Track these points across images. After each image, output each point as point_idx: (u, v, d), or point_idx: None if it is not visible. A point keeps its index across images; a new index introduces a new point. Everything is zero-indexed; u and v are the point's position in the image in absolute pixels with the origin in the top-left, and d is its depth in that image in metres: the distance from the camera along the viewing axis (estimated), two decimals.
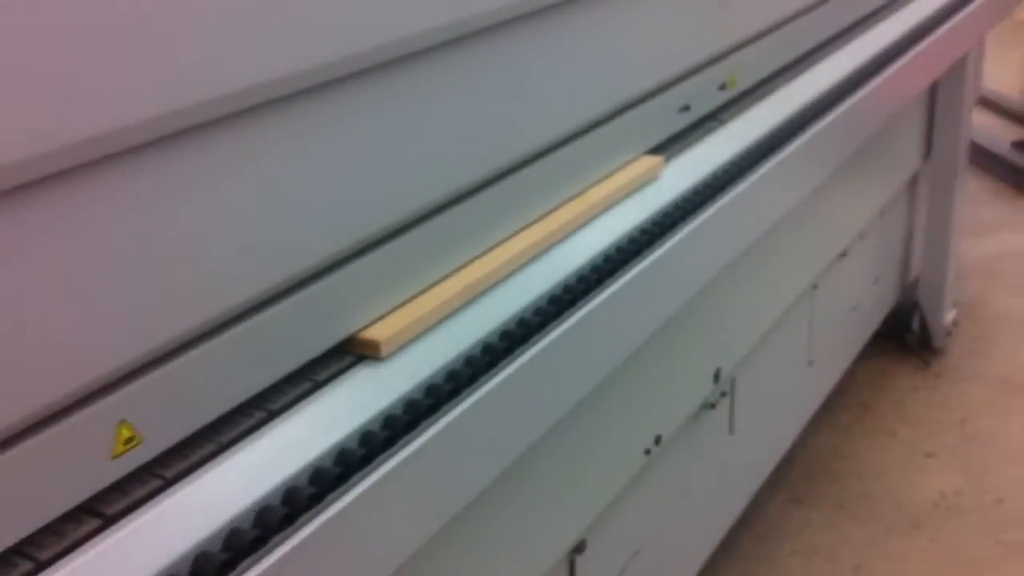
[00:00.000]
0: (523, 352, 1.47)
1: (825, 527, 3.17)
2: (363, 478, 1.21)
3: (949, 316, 4.14)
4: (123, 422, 1.13)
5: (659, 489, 2.29)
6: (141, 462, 1.16)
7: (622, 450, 2.07)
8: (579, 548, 1.99)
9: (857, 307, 3.54)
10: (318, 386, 1.33)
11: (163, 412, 1.17)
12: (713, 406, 2.44)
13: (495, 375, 1.42)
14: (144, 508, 1.12)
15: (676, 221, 1.86)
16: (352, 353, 1.40)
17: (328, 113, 1.29)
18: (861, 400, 3.80)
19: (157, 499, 1.13)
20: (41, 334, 1.01)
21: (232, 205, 1.19)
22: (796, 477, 3.33)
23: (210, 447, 1.20)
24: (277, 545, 1.11)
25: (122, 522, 1.10)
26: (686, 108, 2.19)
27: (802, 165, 2.35)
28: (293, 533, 1.13)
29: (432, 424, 1.31)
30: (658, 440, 2.17)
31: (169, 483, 1.15)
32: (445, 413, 1.33)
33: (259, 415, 1.26)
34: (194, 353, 1.18)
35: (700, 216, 1.90)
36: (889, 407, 3.79)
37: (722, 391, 2.47)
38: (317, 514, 1.15)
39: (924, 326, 4.10)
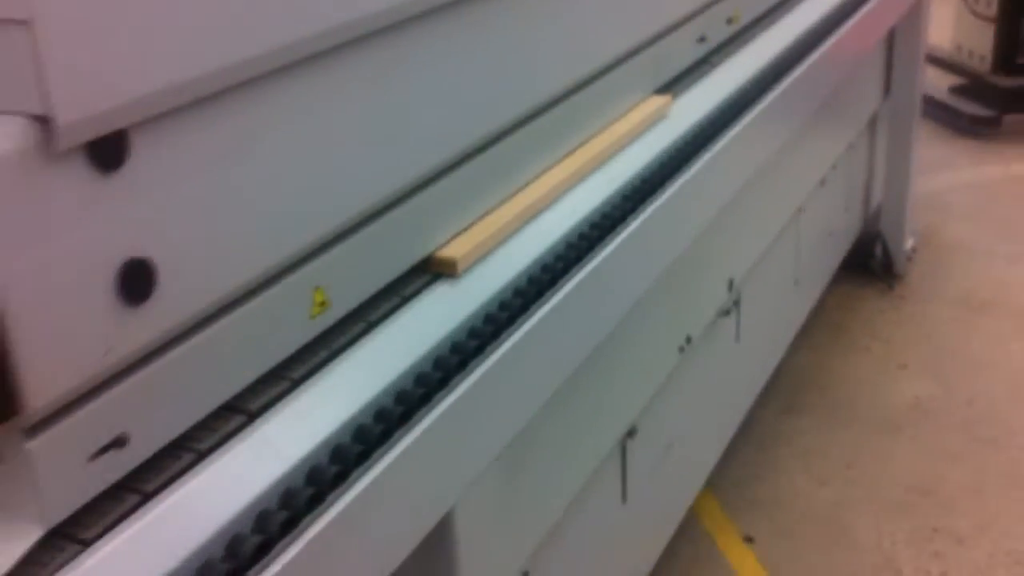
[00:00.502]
0: (579, 270, 1.65)
1: (816, 432, 3.46)
2: (462, 380, 1.38)
3: (909, 243, 4.46)
4: (318, 288, 1.33)
5: (688, 386, 2.54)
6: (332, 322, 1.36)
7: (663, 348, 2.31)
8: (631, 433, 2.23)
9: (832, 232, 3.83)
10: (405, 300, 1.47)
11: (346, 280, 1.38)
12: (728, 313, 2.69)
13: (558, 291, 1.59)
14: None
15: (691, 155, 2.09)
16: (429, 272, 1.54)
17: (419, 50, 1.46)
18: (834, 321, 4.09)
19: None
20: (271, 213, 1.22)
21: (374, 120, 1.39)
22: (785, 389, 3.61)
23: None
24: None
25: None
26: (703, 39, 2.44)
27: (792, 102, 2.61)
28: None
29: (513, 332, 1.48)
30: (688, 340, 2.42)
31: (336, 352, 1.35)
32: (521, 324, 1.50)
33: (361, 325, 1.40)
34: (364, 232, 1.39)
35: (712, 150, 2.14)
36: (860, 326, 4.09)
37: (734, 299, 2.73)
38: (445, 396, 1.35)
39: (886, 253, 4.42)
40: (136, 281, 1.03)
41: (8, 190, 0.90)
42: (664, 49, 2.26)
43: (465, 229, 1.63)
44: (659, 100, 2.22)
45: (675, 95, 2.28)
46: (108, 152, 0.98)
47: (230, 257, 1.16)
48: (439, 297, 1.51)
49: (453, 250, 1.57)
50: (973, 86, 6.23)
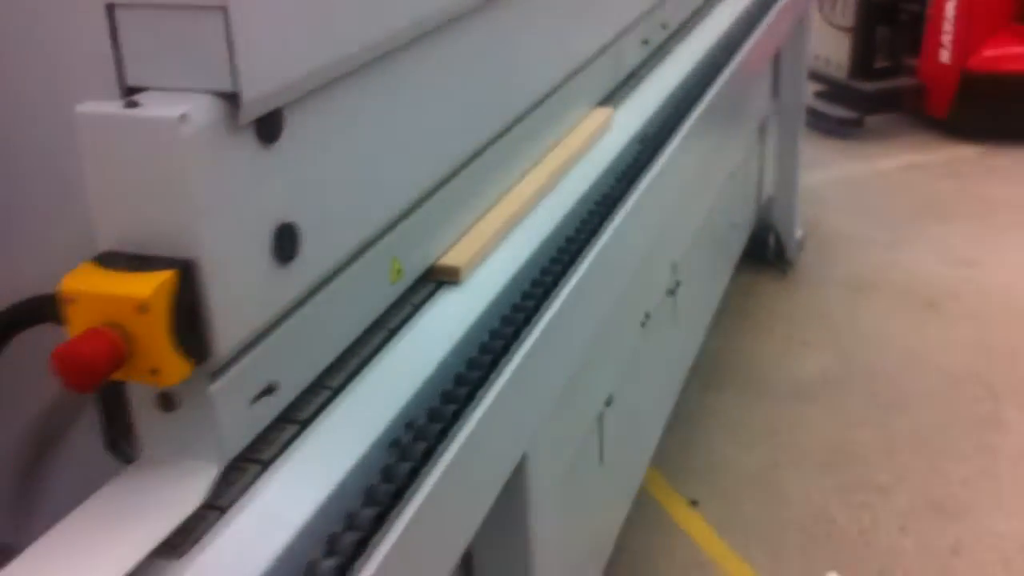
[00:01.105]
0: (576, 269, 1.77)
1: (737, 405, 3.73)
2: (504, 366, 1.47)
3: (798, 234, 4.81)
4: (395, 257, 1.48)
5: (644, 360, 2.75)
6: (403, 290, 1.51)
7: (631, 324, 2.52)
8: (608, 402, 2.42)
9: (735, 224, 4.12)
10: (417, 308, 1.51)
11: (415, 252, 1.53)
12: (672, 292, 2.92)
13: (563, 287, 1.70)
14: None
15: (646, 161, 2.28)
16: (432, 280, 1.59)
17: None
18: (739, 306, 4.39)
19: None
20: (376, 184, 1.37)
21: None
22: (704, 369, 3.86)
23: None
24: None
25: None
26: (646, 42, 2.67)
27: (718, 110, 2.87)
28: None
29: (534, 326, 1.57)
30: (647, 316, 2.63)
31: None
32: (539, 318, 1.59)
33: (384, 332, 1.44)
34: (423, 209, 1.54)
35: (663, 156, 2.33)
36: (762, 310, 4.41)
37: (676, 280, 2.96)
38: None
39: (779, 243, 4.75)
40: (286, 242, 1.17)
41: (201, 159, 1.03)
42: (607, 61, 2.47)
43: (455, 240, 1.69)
44: (604, 112, 2.39)
45: (615, 106, 2.48)
46: (269, 127, 1.12)
47: (350, 223, 1.30)
48: (450, 302, 1.56)
49: (454, 258, 1.63)
50: (836, 91, 6.70)
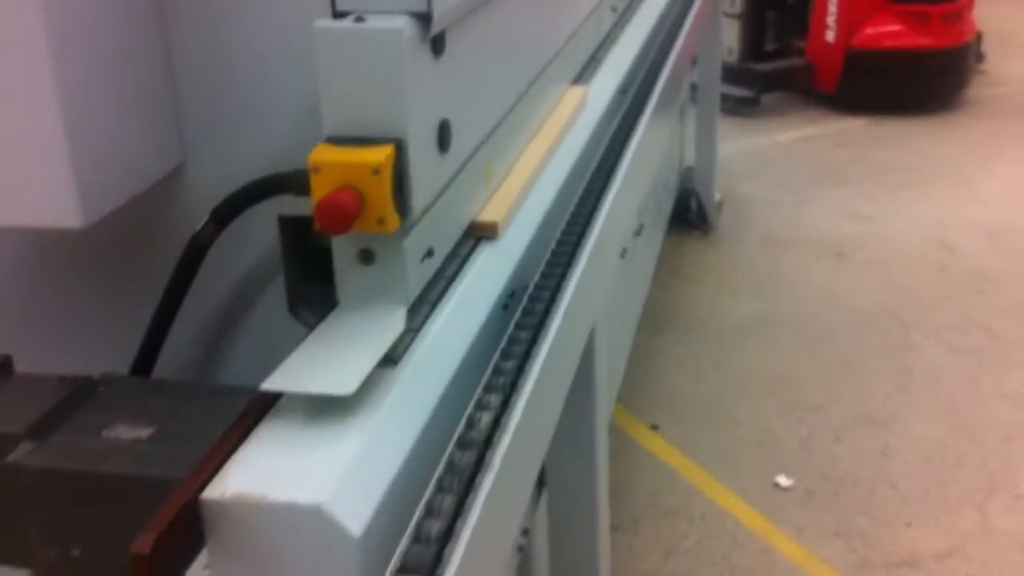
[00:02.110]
0: (598, 214, 2.08)
1: (682, 344, 4.14)
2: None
3: (717, 197, 5.27)
4: (488, 167, 1.81)
5: (618, 294, 3.12)
6: (487, 196, 1.84)
7: (615, 257, 2.89)
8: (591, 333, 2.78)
9: (667, 187, 4.55)
10: (465, 261, 1.66)
11: (498, 165, 1.86)
12: (637, 233, 3.31)
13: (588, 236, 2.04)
14: None
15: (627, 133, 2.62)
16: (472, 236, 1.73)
17: None
18: (671, 263, 4.81)
19: None
20: (494, 96, 1.69)
21: None
22: (649, 317, 4.26)
23: None
24: None
25: None
26: (614, 8, 3.04)
27: (672, 88, 3.25)
28: None
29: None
30: (624, 251, 3.01)
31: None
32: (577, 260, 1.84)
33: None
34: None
35: (639, 130, 2.66)
36: (691, 265, 4.84)
37: (640, 223, 3.35)
38: None
39: (700, 206, 5.20)
40: (444, 135, 1.49)
41: (408, 63, 1.35)
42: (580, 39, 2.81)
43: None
44: (580, 90, 2.69)
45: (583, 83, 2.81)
46: (439, 43, 1.44)
47: (475, 127, 1.63)
48: (495, 253, 1.72)
49: (491, 215, 1.76)
50: (733, 73, 7.21)
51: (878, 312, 4.33)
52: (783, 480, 3.30)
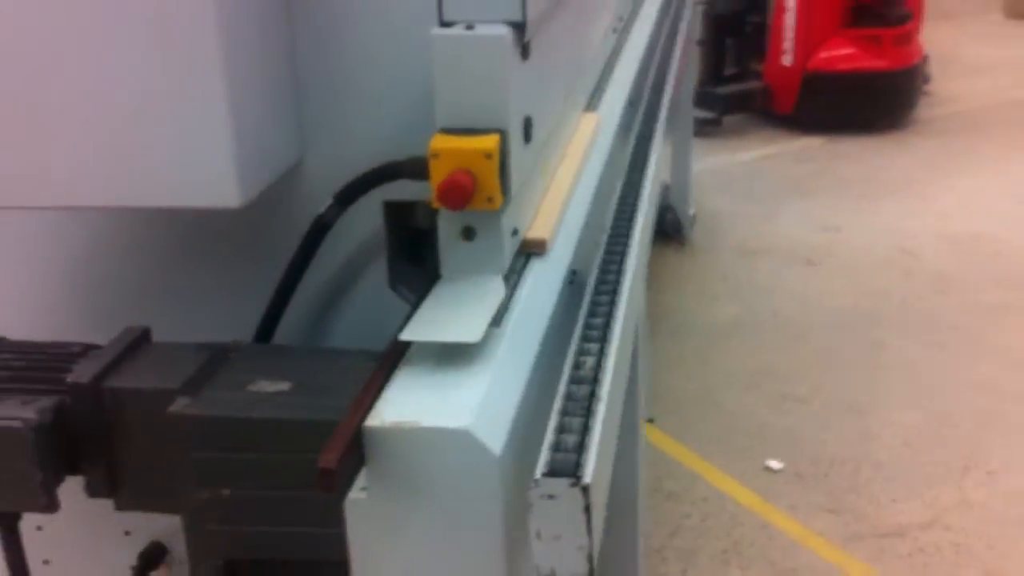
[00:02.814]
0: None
1: (670, 346, 4.39)
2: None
3: (691, 211, 5.55)
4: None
5: None
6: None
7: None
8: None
9: (654, 201, 4.82)
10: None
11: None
12: None
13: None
14: None
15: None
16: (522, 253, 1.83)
17: None
18: (652, 272, 5.06)
19: None
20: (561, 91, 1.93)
21: None
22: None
23: None
24: None
25: None
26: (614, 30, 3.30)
27: (669, 109, 3.51)
28: None
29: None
30: None
31: None
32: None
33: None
34: None
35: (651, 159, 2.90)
36: (672, 273, 5.11)
37: None
38: None
39: (676, 220, 5.47)
40: (528, 129, 1.72)
41: (508, 63, 1.58)
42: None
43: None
44: (592, 117, 2.90)
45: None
46: (526, 48, 1.68)
47: (545, 122, 1.86)
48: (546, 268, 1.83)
49: (539, 232, 1.83)
50: (696, 95, 7.53)
51: (851, 312, 4.62)
52: (774, 464, 3.55)
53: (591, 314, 1.68)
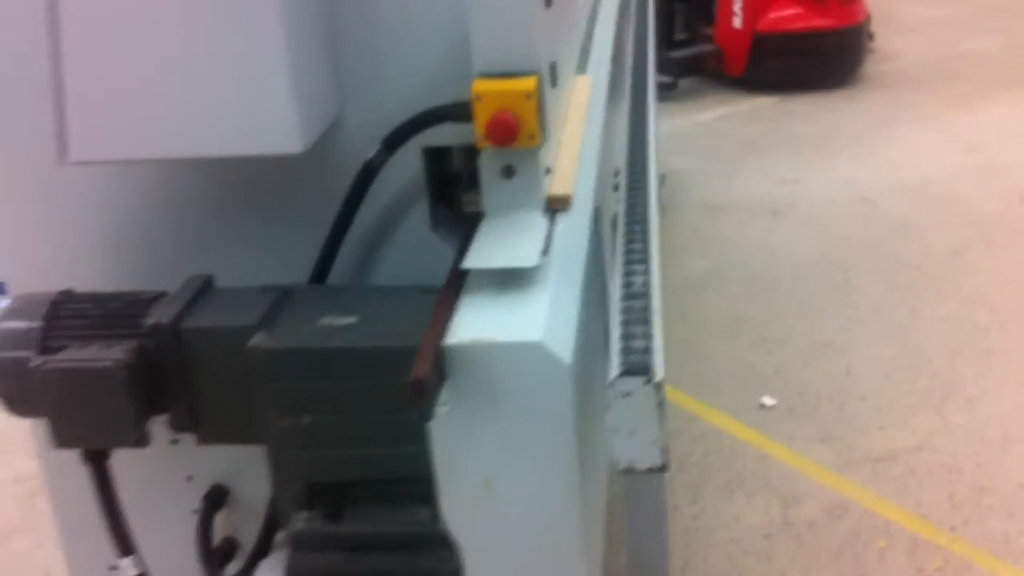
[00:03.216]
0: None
1: None
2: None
3: (661, 172, 5.70)
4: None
5: None
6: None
7: None
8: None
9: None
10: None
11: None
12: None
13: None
14: None
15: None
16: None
17: None
18: None
19: None
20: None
21: None
22: None
23: None
24: None
25: None
26: None
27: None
28: None
29: None
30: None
31: None
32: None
33: None
34: None
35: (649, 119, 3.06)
36: None
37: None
38: None
39: None
40: (554, 74, 1.84)
41: (539, 13, 1.70)
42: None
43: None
44: (584, 79, 3.04)
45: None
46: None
47: (565, 69, 1.98)
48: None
49: (559, 189, 1.89)
50: None
51: (818, 260, 4.81)
52: (768, 400, 3.72)
53: (630, 241, 1.81)
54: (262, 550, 1.88)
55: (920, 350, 4.00)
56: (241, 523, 2.10)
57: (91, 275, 1.92)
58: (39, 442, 2.12)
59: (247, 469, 2.08)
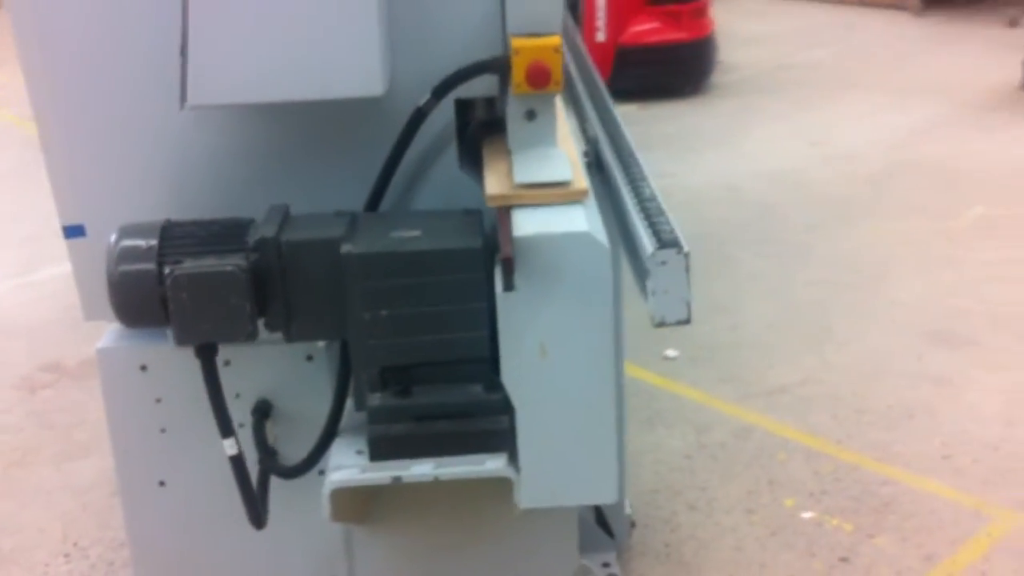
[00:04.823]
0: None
1: None
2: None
3: None
4: None
5: None
6: None
7: None
8: None
9: None
10: None
11: None
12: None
13: None
14: None
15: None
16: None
17: None
18: None
19: None
20: None
21: None
22: None
23: None
24: None
25: None
26: None
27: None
28: None
29: None
30: None
31: None
32: None
33: None
34: None
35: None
36: None
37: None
38: None
39: None
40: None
41: None
42: None
43: None
44: None
45: None
46: None
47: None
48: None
49: (580, 183, 2.13)
50: None
51: (698, 237, 5.36)
52: (671, 352, 4.25)
53: (627, 167, 2.29)
54: (329, 435, 2.25)
55: (795, 307, 4.62)
56: (282, 435, 2.43)
57: (176, 209, 2.25)
58: (101, 374, 2.44)
59: (285, 387, 2.45)
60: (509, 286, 1.89)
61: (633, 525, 3.10)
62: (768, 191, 6.00)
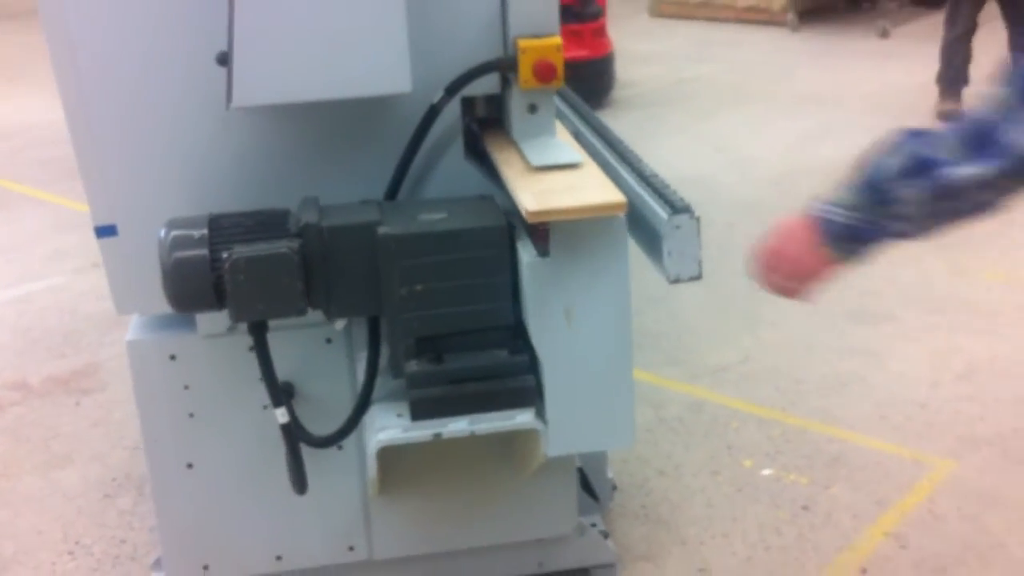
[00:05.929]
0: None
1: None
2: None
3: None
4: None
5: None
6: None
7: None
8: None
9: None
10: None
11: None
12: None
13: None
14: None
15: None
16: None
17: None
18: None
19: None
20: None
21: None
22: None
23: None
24: None
25: None
26: None
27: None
28: None
29: None
30: None
31: None
32: None
33: None
34: None
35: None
36: None
37: None
38: None
39: None
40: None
41: None
42: None
43: None
44: None
45: None
46: None
47: None
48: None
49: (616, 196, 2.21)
50: None
51: None
52: None
53: (623, 153, 2.57)
54: (363, 404, 2.44)
55: (726, 295, 4.95)
56: (303, 415, 2.61)
57: (210, 204, 2.42)
58: (132, 365, 2.59)
59: (306, 369, 2.64)
60: (545, 252, 2.13)
61: (615, 488, 3.35)
62: (685, 194, 6.35)
